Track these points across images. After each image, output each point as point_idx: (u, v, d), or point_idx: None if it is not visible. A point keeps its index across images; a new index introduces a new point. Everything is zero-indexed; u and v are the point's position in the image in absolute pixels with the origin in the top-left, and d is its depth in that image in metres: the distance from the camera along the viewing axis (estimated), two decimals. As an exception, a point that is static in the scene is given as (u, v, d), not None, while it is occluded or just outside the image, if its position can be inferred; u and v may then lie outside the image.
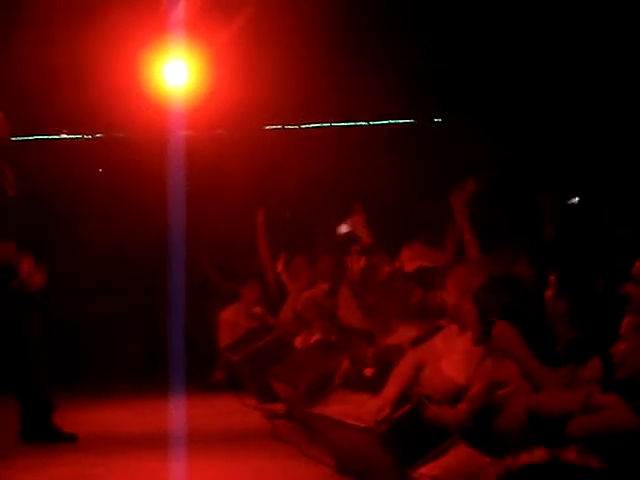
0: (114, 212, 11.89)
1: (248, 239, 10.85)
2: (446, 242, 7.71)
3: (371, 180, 12.82)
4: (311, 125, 14.04)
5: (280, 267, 10.31)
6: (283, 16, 11.00)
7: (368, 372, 6.45)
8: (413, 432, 5.18)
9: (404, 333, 6.48)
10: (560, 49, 11.21)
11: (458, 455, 4.57)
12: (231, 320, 10.72)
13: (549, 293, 4.80)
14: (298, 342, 9.23)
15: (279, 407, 8.34)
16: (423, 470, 4.68)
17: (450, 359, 5.37)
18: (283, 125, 14.08)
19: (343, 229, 9.73)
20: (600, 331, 4.44)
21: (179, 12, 9.91)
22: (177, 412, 8.36)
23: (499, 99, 12.50)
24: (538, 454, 3.56)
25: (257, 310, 10.65)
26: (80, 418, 8.17)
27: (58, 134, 13.43)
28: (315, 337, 8.82)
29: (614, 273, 5.46)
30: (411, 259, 7.58)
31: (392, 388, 5.48)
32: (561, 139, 12.36)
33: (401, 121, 13.97)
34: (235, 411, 8.82)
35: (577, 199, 9.16)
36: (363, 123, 14.01)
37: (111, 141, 13.38)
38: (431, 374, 5.35)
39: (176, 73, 11.13)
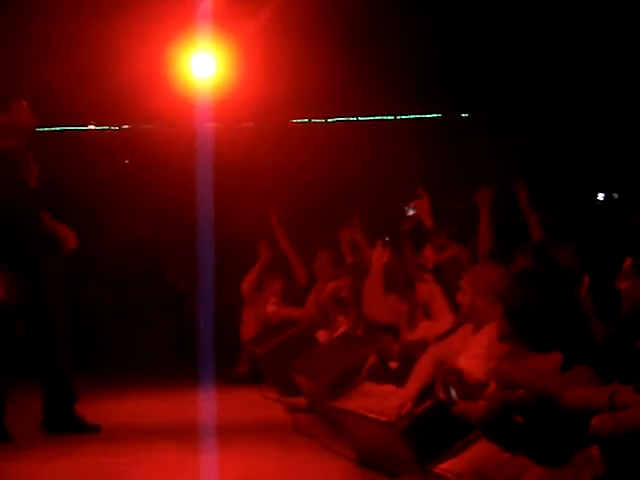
0: (141, 203, 11.92)
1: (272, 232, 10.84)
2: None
3: (397, 174, 12.81)
4: (338, 119, 14.03)
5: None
6: (311, 9, 10.99)
7: (393, 366, 6.44)
8: (435, 427, 5.16)
9: (429, 329, 6.46)
10: (593, 44, 11.15)
11: (480, 451, 4.55)
12: (254, 313, 10.73)
13: (583, 290, 4.76)
14: (321, 336, 9.23)
15: (301, 400, 8.33)
16: (444, 465, 4.66)
17: (467, 356, 5.34)
18: (310, 119, 14.07)
19: (408, 212, 9.58)
20: (629, 325, 4.39)
21: (206, 4, 9.92)
22: (200, 404, 8.37)
23: (528, 94, 12.45)
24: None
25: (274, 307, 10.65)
26: (103, 408, 8.19)
27: (85, 125, 13.49)
28: (339, 330, 8.82)
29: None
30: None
31: (413, 384, 5.47)
32: (594, 136, 12.30)
33: (428, 115, 13.94)
34: (257, 404, 8.82)
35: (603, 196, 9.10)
36: (390, 117, 13.98)
37: (138, 133, 13.42)
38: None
39: (203, 65, 11.15)
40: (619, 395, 3.74)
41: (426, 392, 5.38)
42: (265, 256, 10.81)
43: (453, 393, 4.94)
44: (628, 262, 4.54)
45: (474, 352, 5.31)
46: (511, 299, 4.95)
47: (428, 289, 6.63)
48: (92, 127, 13.58)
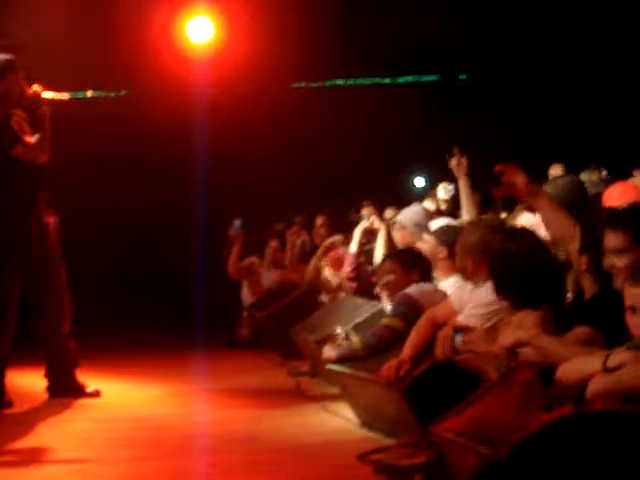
0: (138, 168, 11.90)
1: (273, 197, 10.84)
2: None
3: (394, 137, 12.79)
4: (336, 82, 14.00)
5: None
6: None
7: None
8: (435, 388, 5.18)
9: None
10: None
11: (480, 410, 4.54)
12: (254, 277, 10.75)
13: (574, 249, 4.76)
14: (324, 298, 9.26)
15: (303, 364, 8.35)
16: (444, 425, 4.66)
17: (465, 313, 5.38)
18: (308, 82, 14.03)
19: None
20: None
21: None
22: (200, 368, 8.40)
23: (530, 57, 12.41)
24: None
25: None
26: (103, 374, 8.23)
27: (83, 92, 13.46)
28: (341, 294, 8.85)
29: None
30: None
31: (411, 345, 5.50)
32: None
33: (426, 78, 13.90)
34: (258, 368, 8.85)
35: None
36: (387, 80, 13.95)
37: (135, 99, 13.39)
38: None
39: (200, 29, 11.11)
40: (612, 357, 3.75)
41: (424, 354, 5.42)
42: (238, 241, 10.66)
43: (459, 339, 4.97)
44: None
45: (471, 311, 5.34)
46: (496, 257, 4.98)
47: (429, 250, 6.61)
48: (90, 94, 13.55)
